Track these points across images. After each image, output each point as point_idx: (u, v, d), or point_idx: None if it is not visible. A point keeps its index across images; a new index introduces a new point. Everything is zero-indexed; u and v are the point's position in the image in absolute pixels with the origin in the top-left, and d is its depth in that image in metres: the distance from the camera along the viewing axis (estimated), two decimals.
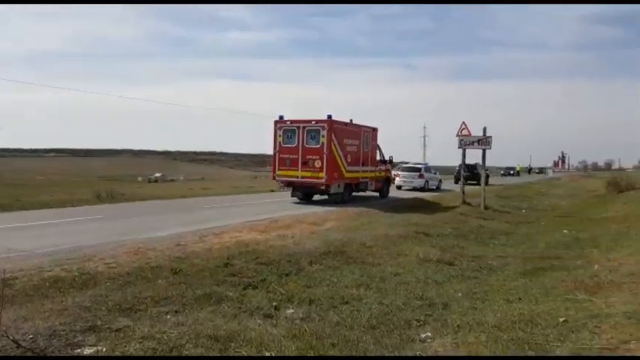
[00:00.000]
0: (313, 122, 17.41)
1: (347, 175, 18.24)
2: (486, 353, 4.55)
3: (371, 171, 20.36)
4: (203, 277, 6.86)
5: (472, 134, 19.08)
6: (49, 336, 4.50)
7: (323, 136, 16.93)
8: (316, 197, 18.98)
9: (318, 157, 16.96)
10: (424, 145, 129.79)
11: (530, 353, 4.54)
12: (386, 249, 9.57)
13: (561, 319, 5.30)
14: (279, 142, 17.75)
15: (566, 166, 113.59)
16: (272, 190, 26.31)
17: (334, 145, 17.07)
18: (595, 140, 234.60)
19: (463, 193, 19.92)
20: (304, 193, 18.46)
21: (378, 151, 21.08)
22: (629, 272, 7.17)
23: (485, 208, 18.35)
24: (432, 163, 35.40)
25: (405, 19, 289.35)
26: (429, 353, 4.71)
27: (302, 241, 9.76)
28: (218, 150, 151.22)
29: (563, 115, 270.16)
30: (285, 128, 17.75)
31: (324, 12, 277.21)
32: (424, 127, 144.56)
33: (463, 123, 19.22)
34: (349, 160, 18.17)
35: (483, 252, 10.24)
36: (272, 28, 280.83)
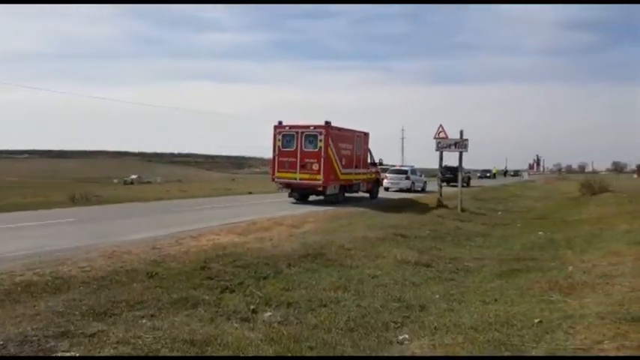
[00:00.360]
0: (311, 127, 18.24)
1: (342, 177, 19.20)
2: (463, 354, 4.59)
3: (363, 173, 21.34)
4: (179, 280, 6.77)
5: (449, 137, 19.29)
6: (20, 342, 4.39)
7: (320, 141, 17.78)
8: (311, 198, 19.74)
9: (315, 160, 17.84)
10: (402, 147, 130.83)
11: (507, 354, 4.58)
12: (364, 251, 9.59)
13: (536, 320, 5.37)
14: (279, 146, 18.47)
15: (542, 169, 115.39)
16: (250, 192, 26.24)
17: (331, 149, 17.94)
18: (569, 143, 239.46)
19: (440, 195, 20.12)
20: (301, 194, 19.36)
21: (369, 155, 22.05)
22: (602, 273, 7.31)
23: (462, 210, 18.55)
24: (410, 164, 36.85)
25: (383, 23, 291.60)
26: (407, 355, 4.73)
27: (280, 244, 9.72)
28: (195, 152, 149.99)
29: (539, 118, 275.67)
30: (284, 133, 18.47)
31: (303, 14, 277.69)
32: (402, 130, 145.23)
33: (440, 126, 19.41)
34: (344, 163, 19.12)
35: (460, 254, 10.33)
36: (249, 30, 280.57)
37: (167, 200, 21.20)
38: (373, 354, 4.79)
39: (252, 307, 5.92)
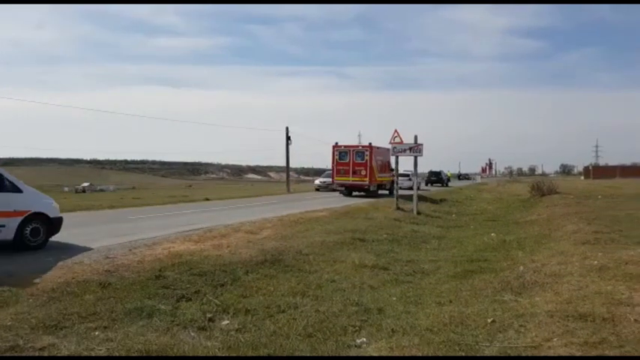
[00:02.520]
0: (360, 147, 27.93)
1: (377, 179, 27.90)
2: (419, 355, 4.66)
3: (387, 177, 29.43)
4: (134, 290, 6.61)
5: (404, 142, 19.63)
6: None
7: (367, 156, 26.47)
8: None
9: (363, 168, 26.48)
10: None
11: (461, 354, 4.69)
12: (322, 256, 9.62)
13: (489, 320, 5.52)
14: (336, 159, 27.18)
15: (494, 172, 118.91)
16: (207, 199, 25.87)
17: (373, 161, 26.50)
18: (520, 147, 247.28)
19: (397, 199, 20.39)
20: (350, 191, 27.52)
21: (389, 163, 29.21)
22: (551, 272, 7.58)
23: (418, 213, 18.87)
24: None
25: (338, 30, 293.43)
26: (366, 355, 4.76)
27: (238, 251, 9.63)
28: (150, 158, 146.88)
29: (490, 123, 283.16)
30: (340, 150, 27.29)
31: (257, 20, 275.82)
32: (359, 135, 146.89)
33: (395, 131, 19.74)
34: (378, 170, 27.69)
35: (416, 256, 10.51)
36: (205, 35, 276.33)
37: (120, 208, 20.64)
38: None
39: (209, 315, 5.84)
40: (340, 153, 27.09)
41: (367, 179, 26.48)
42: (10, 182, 9.22)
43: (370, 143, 27.15)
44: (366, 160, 26.40)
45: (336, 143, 27.36)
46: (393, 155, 20.33)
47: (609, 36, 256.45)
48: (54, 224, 9.90)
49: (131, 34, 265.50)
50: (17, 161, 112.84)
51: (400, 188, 32.14)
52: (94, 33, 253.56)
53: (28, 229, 9.27)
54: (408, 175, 36.60)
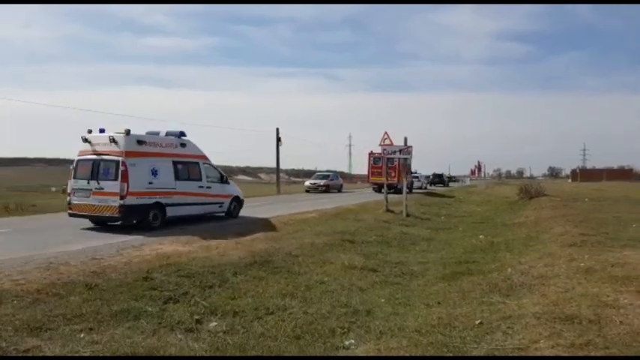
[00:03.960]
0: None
1: (402, 179, 31.18)
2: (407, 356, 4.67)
3: (408, 177, 32.58)
4: (120, 292, 6.56)
5: (394, 144, 19.69)
6: None
7: (395, 161, 29.84)
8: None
9: (393, 171, 31.10)
10: (350, 154, 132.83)
11: (449, 355, 4.70)
12: (312, 257, 9.61)
13: (477, 322, 5.53)
14: (371, 164, 33.06)
15: (483, 174, 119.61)
16: None
17: (400, 164, 31.07)
18: (508, 150, 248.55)
19: (387, 201, 20.43)
20: (380, 188, 29.08)
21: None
22: (538, 274, 7.62)
23: (407, 215, 18.91)
24: (357, 171, 47.45)
25: (327, 32, 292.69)
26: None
27: (227, 252, 9.59)
28: None
29: (480, 126, 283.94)
30: (374, 156, 32.05)
31: (247, 21, 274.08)
32: (349, 137, 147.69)
33: (385, 133, 19.78)
34: (404, 172, 31.52)
35: (405, 258, 10.53)
36: (193, 35, 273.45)
37: None
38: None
39: (196, 317, 5.81)
40: (375, 159, 32.55)
41: (396, 179, 32.62)
42: (225, 178, 15.82)
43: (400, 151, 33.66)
44: (395, 165, 32.26)
45: (372, 151, 33.04)
46: (382, 157, 20.43)
47: (595, 40, 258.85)
48: (241, 203, 16.62)
49: (121, 34, 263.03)
50: (3, 161, 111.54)
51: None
52: (83, 32, 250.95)
53: (232, 205, 15.96)
54: (417, 177, 44.81)
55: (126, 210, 12.07)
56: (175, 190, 13.39)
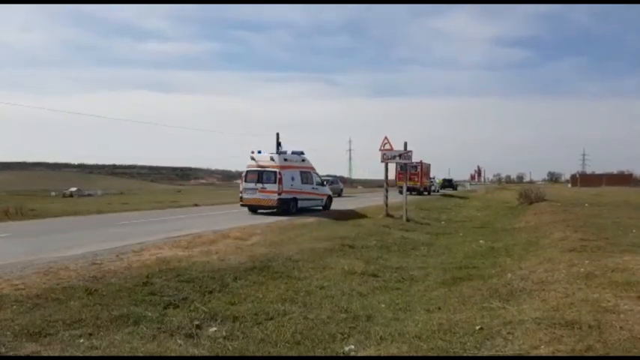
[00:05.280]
0: (414, 162, 35.93)
1: (424, 183, 43.73)
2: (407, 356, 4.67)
3: (427, 182, 45.29)
4: (120, 297, 6.54)
5: (394, 149, 19.71)
6: None
7: (418, 168, 39.41)
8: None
9: (416, 176, 39.60)
10: (350, 158, 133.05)
11: (449, 355, 4.70)
12: (312, 262, 9.59)
13: (477, 327, 5.52)
14: (398, 170, 34.12)
15: (482, 179, 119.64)
16: (196, 205, 25.78)
17: (422, 171, 39.37)
18: (508, 155, 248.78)
19: (387, 205, 20.42)
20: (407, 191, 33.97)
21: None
22: (539, 280, 7.61)
23: (407, 220, 18.90)
24: (357, 175, 48.35)
25: (325, 37, 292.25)
26: None
27: (227, 257, 9.58)
28: (139, 163, 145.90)
29: (479, 131, 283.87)
30: (400, 164, 36.15)
31: (247, 26, 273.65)
32: (349, 141, 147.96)
33: (385, 138, 19.79)
34: (425, 177, 41.07)
35: (406, 263, 10.51)
36: (192, 40, 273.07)
37: (108, 213, 20.50)
38: None
39: (196, 322, 5.79)
40: (401, 166, 36.78)
41: (419, 183, 41.31)
42: (324, 182, 23.07)
43: (421, 160, 41.96)
44: (418, 171, 40.52)
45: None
46: (382, 162, 20.35)
47: (593, 46, 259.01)
48: (331, 200, 23.36)
49: (120, 39, 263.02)
50: (3, 165, 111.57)
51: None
52: (82, 37, 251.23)
53: (326, 202, 22.71)
54: (432, 182, 53.01)
55: (280, 202, 19.32)
56: (302, 190, 20.72)
